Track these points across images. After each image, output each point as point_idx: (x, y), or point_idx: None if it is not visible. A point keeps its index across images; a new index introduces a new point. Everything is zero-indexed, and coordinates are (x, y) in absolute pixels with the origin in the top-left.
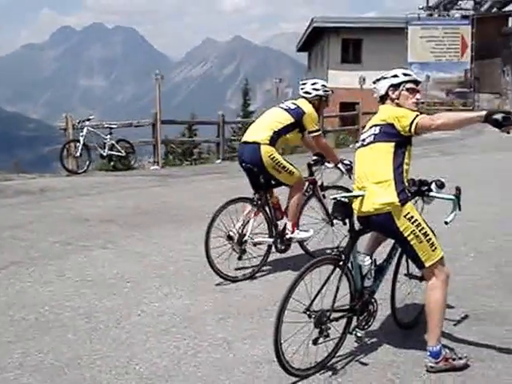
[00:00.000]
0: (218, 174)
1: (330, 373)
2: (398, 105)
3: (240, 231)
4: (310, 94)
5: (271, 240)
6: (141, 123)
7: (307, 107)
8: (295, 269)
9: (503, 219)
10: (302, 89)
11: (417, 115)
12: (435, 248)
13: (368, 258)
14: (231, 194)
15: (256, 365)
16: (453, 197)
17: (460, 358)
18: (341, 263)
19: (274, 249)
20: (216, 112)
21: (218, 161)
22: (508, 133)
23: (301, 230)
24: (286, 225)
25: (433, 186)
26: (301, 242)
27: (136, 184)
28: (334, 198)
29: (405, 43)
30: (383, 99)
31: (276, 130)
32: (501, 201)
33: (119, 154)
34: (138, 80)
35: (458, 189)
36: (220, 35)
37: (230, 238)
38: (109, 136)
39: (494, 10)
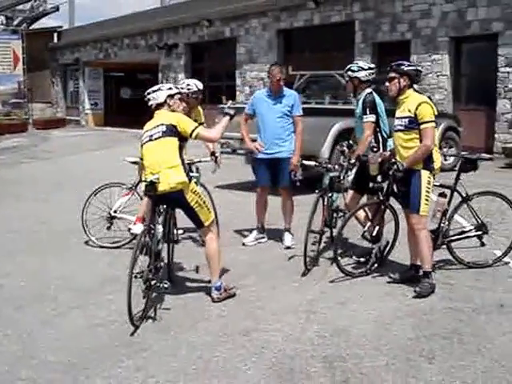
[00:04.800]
0: None
1: (150, 320)
2: (172, 110)
3: (110, 208)
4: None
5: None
6: None
7: None
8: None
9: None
10: None
11: (197, 126)
12: (210, 212)
13: (161, 226)
14: None
15: (95, 328)
16: (197, 174)
17: (232, 288)
18: (152, 232)
19: None
20: None
21: None
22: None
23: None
24: None
25: None
26: None
27: None
28: (149, 180)
29: None
30: (159, 106)
31: None
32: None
33: None
34: None
35: (197, 168)
36: None
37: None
38: None
39: (24, 25)
